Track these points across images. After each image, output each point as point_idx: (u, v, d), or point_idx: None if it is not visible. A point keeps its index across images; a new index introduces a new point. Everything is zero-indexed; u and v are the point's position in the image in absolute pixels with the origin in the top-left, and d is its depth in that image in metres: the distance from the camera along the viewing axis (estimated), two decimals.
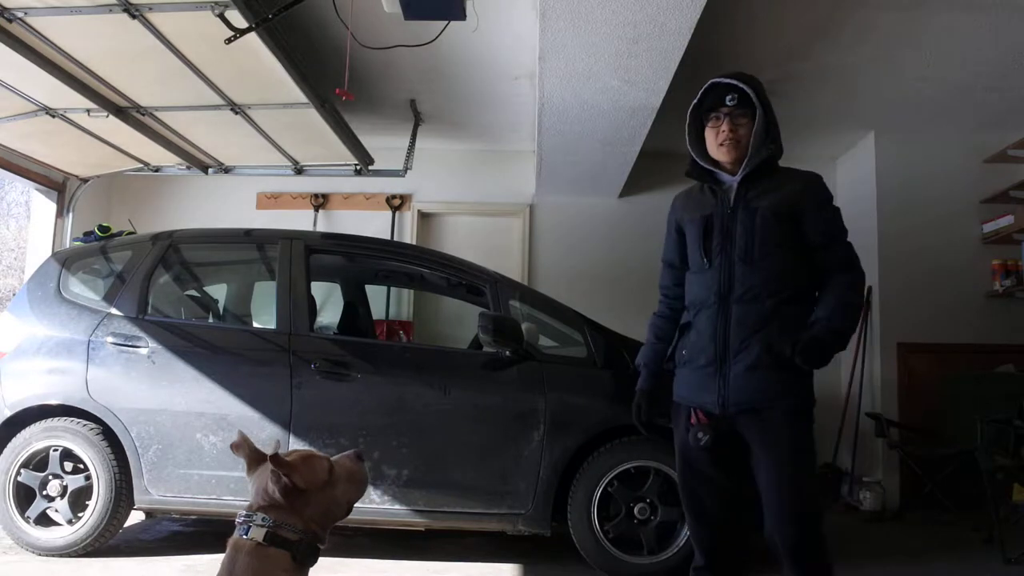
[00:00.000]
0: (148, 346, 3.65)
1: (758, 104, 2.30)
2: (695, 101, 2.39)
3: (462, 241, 6.30)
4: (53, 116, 4.30)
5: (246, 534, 1.47)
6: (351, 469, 1.63)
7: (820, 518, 2.27)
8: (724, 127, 2.31)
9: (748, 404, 2.23)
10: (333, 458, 1.63)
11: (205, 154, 5.13)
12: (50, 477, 3.59)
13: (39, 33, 3.37)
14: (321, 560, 1.54)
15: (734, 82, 2.31)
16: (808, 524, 2.21)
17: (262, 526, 1.47)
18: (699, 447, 2.27)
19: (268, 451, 1.52)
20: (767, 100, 2.34)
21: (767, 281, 2.25)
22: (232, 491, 3.51)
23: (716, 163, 2.39)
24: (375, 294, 5.44)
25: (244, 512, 1.50)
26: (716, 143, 2.34)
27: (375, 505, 3.49)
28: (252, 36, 3.31)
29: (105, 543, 3.62)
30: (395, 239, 6.18)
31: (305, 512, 1.51)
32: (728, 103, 2.30)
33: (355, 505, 1.67)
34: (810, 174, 2.41)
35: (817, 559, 2.23)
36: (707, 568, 2.36)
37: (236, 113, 4.28)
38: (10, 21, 3.25)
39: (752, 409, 2.23)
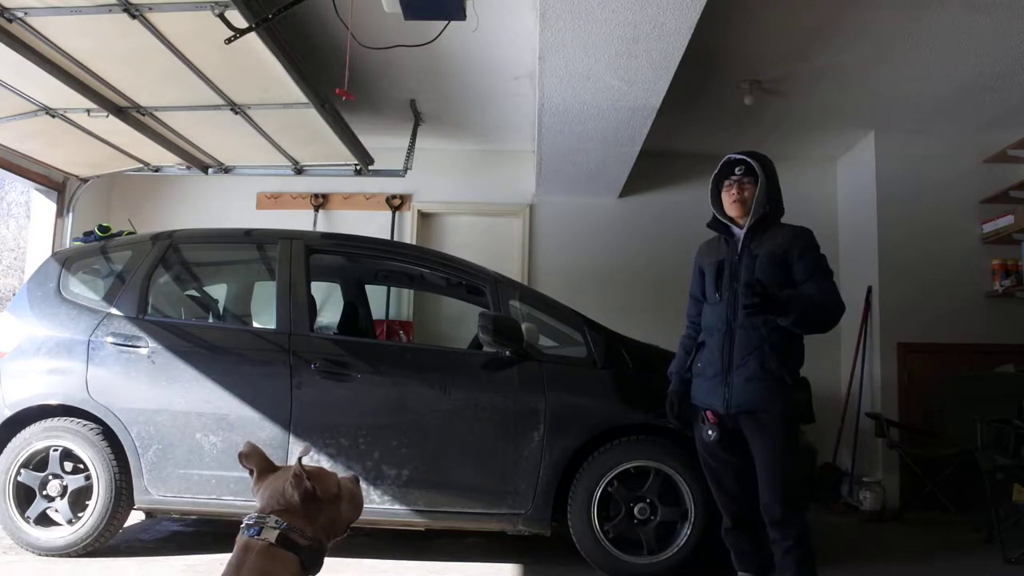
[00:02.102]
0: (148, 346, 3.65)
1: (760, 173, 2.92)
2: (716, 171, 3.01)
3: (462, 241, 6.30)
4: (53, 116, 4.30)
5: (257, 535, 1.48)
6: (352, 491, 1.69)
7: (800, 500, 2.83)
8: (734, 190, 2.95)
9: (746, 407, 2.81)
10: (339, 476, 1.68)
11: (205, 154, 5.13)
12: (50, 477, 3.59)
13: (39, 33, 3.38)
14: None
15: (743, 157, 2.96)
16: (789, 503, 2.76)
17: (275, 528, 1.48)
18: (710, 441, 2.91)
19: (275, 456, 1.54)
20: (772, 171, 2.98)
21: None
22: (232, 491, 3.51)
23: (730, 219, 2.99)
24: (375, 294, 5.44)
25: (254, 514, 1.52)
26: (729, 202, 2.97)
27: (375, 505, 3.49)
28: (252, 36, 3.31)
29: (105, 543, 3.62)
30: (395, 239, 6.19)
31: (316, 520, 1.54)
32: (737, 172, 2.95)
33: (361, 509, 1.71)
34: (801, 228, 2.98)
35: (796, 531, 2.75)
36: (734, 528, 2.98)
37: (236, 113, 4.28)
38: (10, 21, 3.25)
39: (749, 411, 2.81)
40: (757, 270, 2.84)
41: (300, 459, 1.54)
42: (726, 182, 2.98)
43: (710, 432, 2.88)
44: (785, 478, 2.77)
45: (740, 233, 2.95)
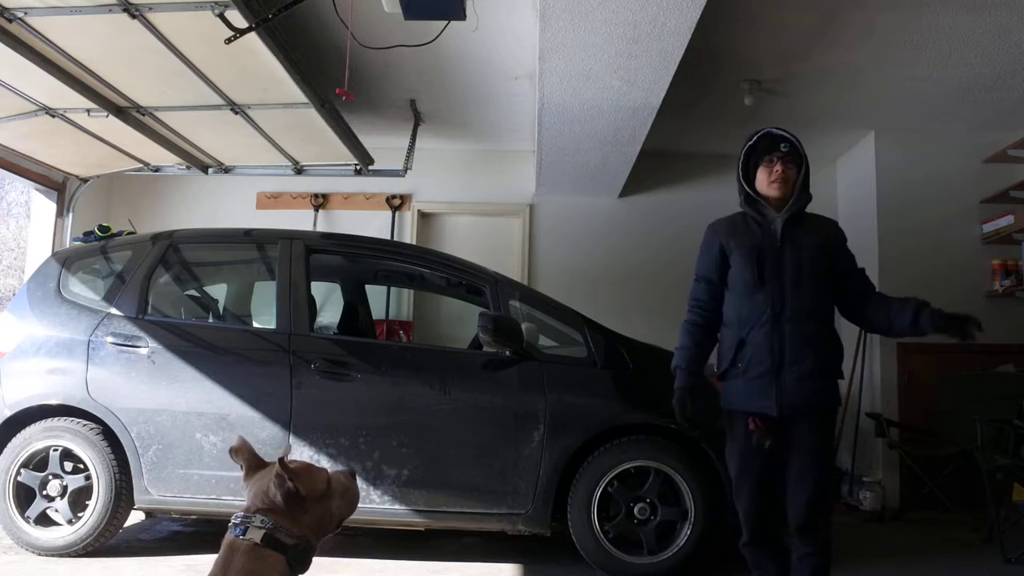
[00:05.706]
0: (148, 346, 3.65)
1: (804, 157, 2.75)
2: (750, 143, 2.76)
3: (462, 241, 6.30)
4: (53, 116, 4.30)
5: (243, 534, 1.47)
6: (346, 485, 1.66)
7: (827, 508, 2.74)
8: (778, 167, 2.70)
9: (800, 407, 2.60)
10: (331, 472, 1.65)
11: (205, 154, 5.13)
12: (50, 477, 3.59)
13: (39, 33, 3.38)
14: (321, 560, 1.55)
15: (787, 135, 2.74)
16: (818, 510, 2.60)
17: (261, 527, 1.47)
18: (763, 450, 2.60)
19: (276, 455, 1.53)
20: (807, 156, 2.78)
21: (811, 305, 2.66)
22: (232, 491, 3.51)
23: (763, 198, 2.75)
24: (375, 294, 5.44)
25: (240, 514, 1.51)
26: (768, 180, 2.71)
27: (375, 505, 3.49)
28: (252, 36, 3.31)
29: (105, 543, 3.62)
30: (395, 239, 6.19)
31: (302, 519, 1.52)
32: (782, 149, 2.71)
33: (356, 504, 1.69)
34: (831, 220, 2.90)
35: (819, 540, 2.61)
36: (751, 542, 2.71)
37: (236, 113, 4.28)
38: (10, 21, 3.25)
39: (802, 411, 2.60)
40: (806, 260, 2.66)
41: (282, 458, 1.52)
42: (767, 158, 2.72)
43: (764, 441, 2.59)
44: (821, 482, 2.62)
45: (776, 217, 2.72)
